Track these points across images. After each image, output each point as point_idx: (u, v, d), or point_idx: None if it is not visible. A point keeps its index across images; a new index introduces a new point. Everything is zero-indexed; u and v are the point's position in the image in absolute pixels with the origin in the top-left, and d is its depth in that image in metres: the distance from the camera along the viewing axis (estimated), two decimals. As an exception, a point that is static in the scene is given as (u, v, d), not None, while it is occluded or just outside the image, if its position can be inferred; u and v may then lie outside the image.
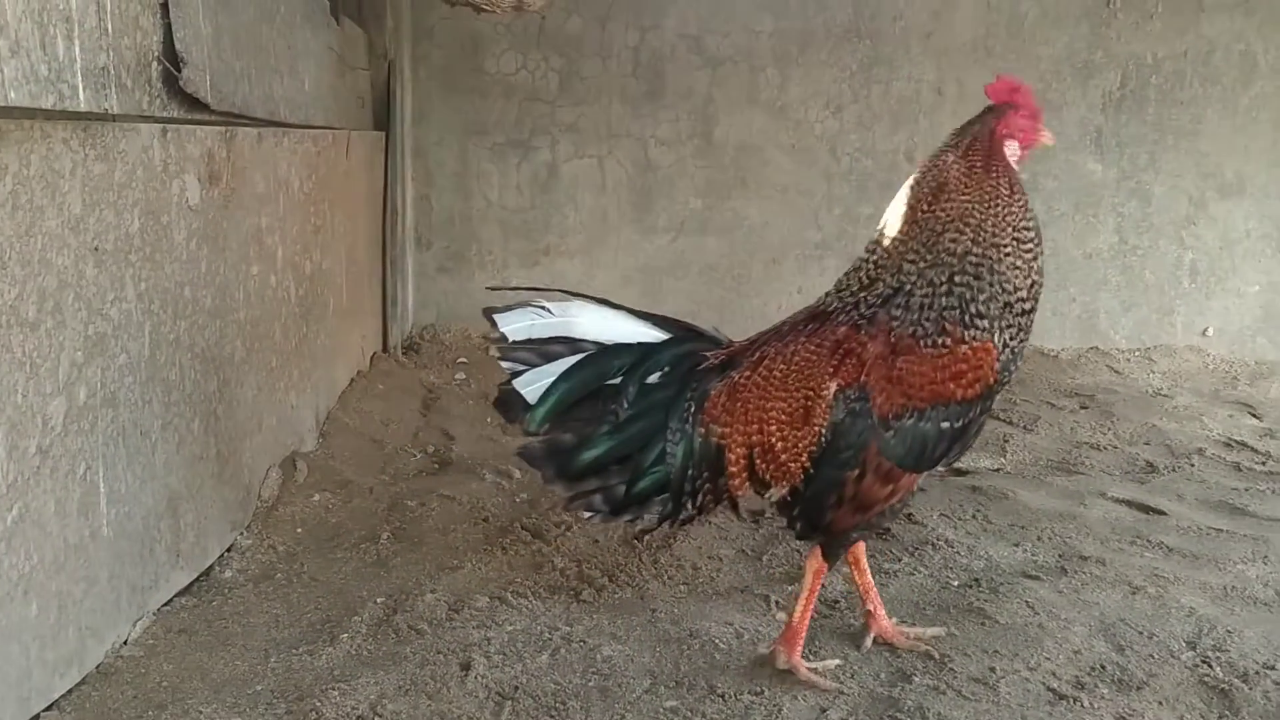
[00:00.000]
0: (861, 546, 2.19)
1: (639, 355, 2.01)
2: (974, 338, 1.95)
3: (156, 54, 2.07)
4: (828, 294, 2.15)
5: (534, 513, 2.93)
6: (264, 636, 2.21)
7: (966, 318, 1.95)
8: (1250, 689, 2.06)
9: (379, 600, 2.37)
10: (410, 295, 4.81)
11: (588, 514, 2.03)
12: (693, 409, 1.99)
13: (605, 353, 1.99)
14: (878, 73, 4.75)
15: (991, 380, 1.97)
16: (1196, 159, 4.78)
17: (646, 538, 2.72)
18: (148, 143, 2.08)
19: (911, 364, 1.94)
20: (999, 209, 2.00)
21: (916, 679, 2.08)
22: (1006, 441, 3.72)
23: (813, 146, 4.80)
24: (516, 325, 2.00)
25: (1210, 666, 2.14)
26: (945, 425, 1.95)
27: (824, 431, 1.95)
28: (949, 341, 1.94)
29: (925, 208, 2.02)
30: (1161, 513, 3.05)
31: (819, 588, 2.11)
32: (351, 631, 2.22)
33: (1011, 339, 1.99)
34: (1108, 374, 4.69)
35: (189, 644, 2.15)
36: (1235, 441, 3.80)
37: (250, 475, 2.75)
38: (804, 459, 1.96)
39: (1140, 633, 2.28)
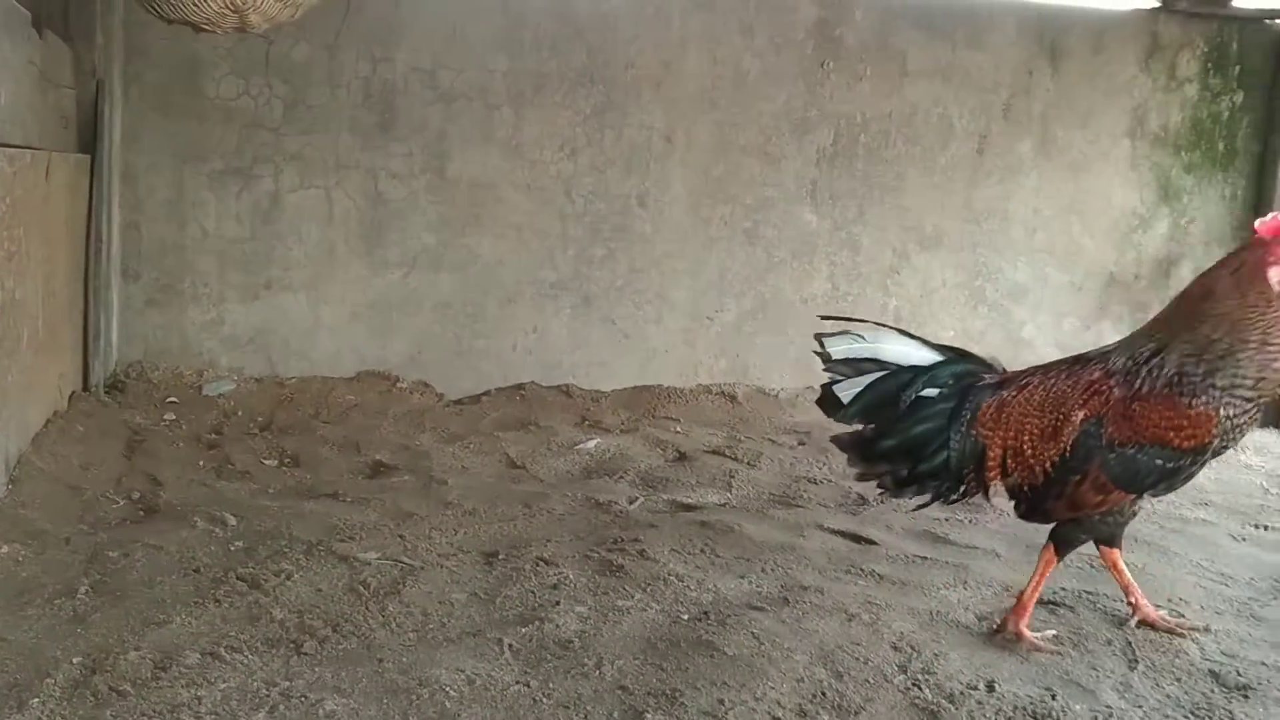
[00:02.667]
0: (1118, 554, 2.65)
1: (926, 373, 2.57)
2: (1202, 404, 2.41)
3: None
4: (1090, 351, 2.69)
5: (250, 561, 2.76)
6: (-69, 709, 1.95)
7: (1199, 388, 2.42)
8: (956, 709, 2.18)
9: (75, 660, 2.16)
10: (115, 330, 4.47)
11: (878, 490, 2.65)
12: (969, 416, 2.55)
13: (903, 370, 2.57)
14: (610, 118, 4.84)
15: (1206, 440, 2.43)
16: (900, 213, 5.14)
17: (373, 585, 2.64)
18: None
19: (1144, 409, 2.44)
20: (1252, 316, 2.43)
21: (649, 715, 2.09)
22: (732, 477, 3.84)
23: (548, 186, 4.83)
24: (839, 347, 2.59)
25: (920, 689, 2.26)
26: (1158, 462, 2.45)
27: (1066, 447, 2.48)
28: (1180, 401, 2.42)
29: (1193, 305, 2.51)
30: (873, 542, 3.22)
31: (1047, 574, 2.59)
32: (43, 696, 2.00)
33: (1233, 414, 2.43)
34: (822, 412, 4.93)
35: None
36: (937, 475, 4.07)
37: (-82, 527, 2.44)
38: (1047, 465, 2.51)
39: (857, 659, 2.39)
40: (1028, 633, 2.54)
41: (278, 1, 3.26)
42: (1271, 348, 2.43)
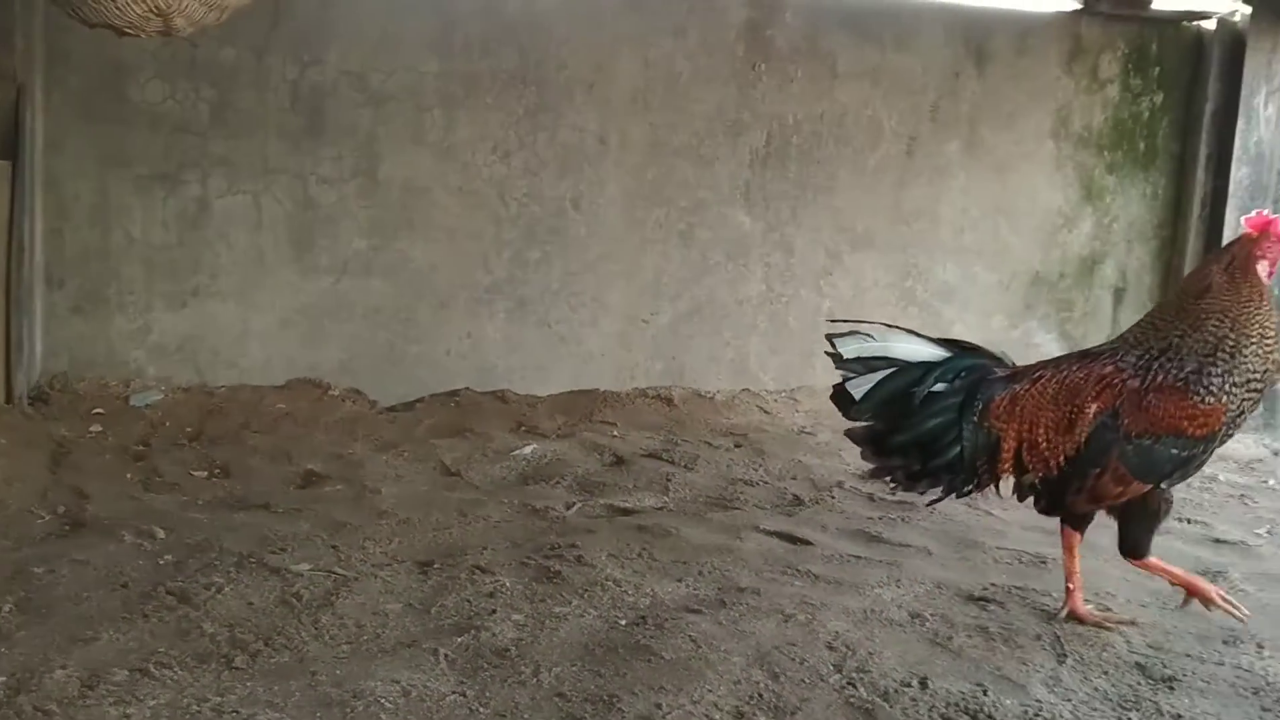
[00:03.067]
0: (1078, 538, 2.72)
1: (937, 368, 2.65)
2: (1214, 398, 2.53)
3: None
4: (1097, 346, 2.80)
5: (180, 575, 2.71)
6: None
7: (1210, 381, 2.53)
8: (891, 706, 2.21)
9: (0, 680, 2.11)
10: (39, 339, 4.36)
11: (891, 484, 2.78)
12: (981, 408, 2.62)
13: (912, 367, 2.64)
14: (544, 119, 4.83)
15: (1216, 429, 2.54)
16: (832, 214, 5.19)
17: (306, 597, 2.62)
18: None
19: (1159, 400, 2.54)
20: (1250, 311, 2.56)
21: (586, 723, 2.09)
22: (669, 480, 3.85)
23: (481, 189, 4.81)
24: (850, 346, 2.68)
25: (855, 688, 2.29)
26: (1174, 452, 2.54)
27: (1081, 439, 2.56)
28: (1194, 392, 2.53)
29: (1192, 302, 2.60)
30: (808, 543, 3.25)
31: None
32: (-39, 720, 1.96)
33: (1239, 404, 2.55)
34: (758, 414, 4.98)
35: None
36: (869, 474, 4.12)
37: None
38: (1061, 457, 2.58)
39: (793, 659, 2.41)
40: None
41: (202, 5, 3.19)
42: (1269, 340, 2.57)
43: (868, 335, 2.68)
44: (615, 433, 4.52)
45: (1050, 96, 5.31)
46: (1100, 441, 2.56)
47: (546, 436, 4.40)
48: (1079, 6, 5.26)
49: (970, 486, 2.69)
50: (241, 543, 2.98)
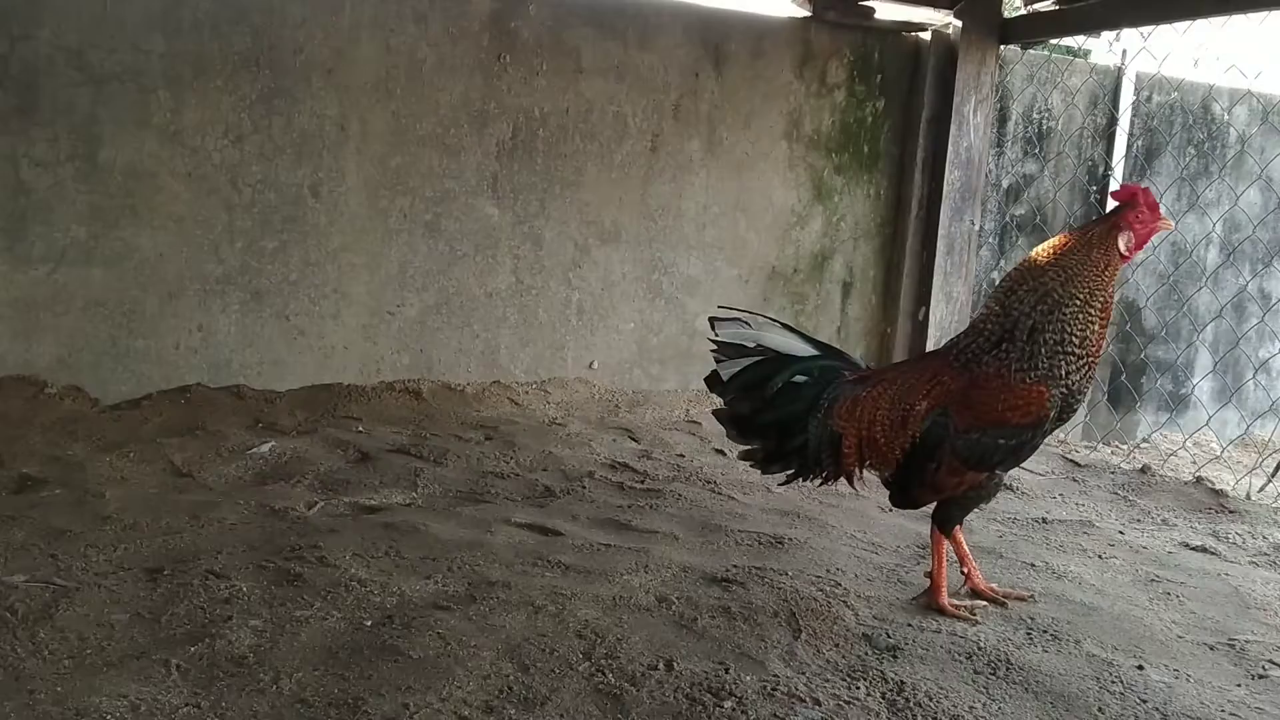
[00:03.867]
0: (960, 528, 2.88)
1: (799, 362, 2.81)
2: (1032, 379, 2.63)
3: None
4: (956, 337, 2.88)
5: None
6: None
7: (1028, 365, 2.64)
8: (638, 690, 2.26)
9: None
10: None
11: (751, 463, 2.89)
12: (826, 406, 2.78)
13: (780, 357, 2.81)
14: (279, 104, 4.63)
15: (1042, 415, 2.65)
16: (580, 208, 5.24)
17: (22, 611, 2.43)
18: None
19: (982, 396, 2.66)
20: (1086, 273, 2.65)
21: (330, 728, 2.02)
22: (417, 475, 3.79)
23: (212, 175, 4.56)
24: (726, 331, 2.85)
25: (604, 674, 2.32)
26: (1001, 442, 2.67)
27: (915, 435, 2.70)
28: (1014, 380, 2.64)
29: (1033, 276, 2.69)
30: (559, 533, 3.27)
31: (944, 550, 2.82)
32: None
33: (1065, 377, 2.65)
34: (509, 406, 4.97)
35: None
36: (619, 463, 4.19)
37: None
38: (898, 453, 2.73)
39: (543, 650, 2.42)
40: (949, 605, 2.81)
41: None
42: (1093, 307, 2.65)
43: (746, 324, 2.86)
44: (360, 428, 4.40)
45: (784, 99, 5.55)
46: (933, 438, 2.69)
47: (286, 433, 4.23)
48: (808, 14, 5.52)
49: (820, 477, 2.85)
50: (-61, 558, 2.72)
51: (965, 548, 2.95)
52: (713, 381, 2.89)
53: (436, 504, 3.54)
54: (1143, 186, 2.79)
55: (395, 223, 4.89)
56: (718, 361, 2.86)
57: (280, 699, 2.13)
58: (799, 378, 2.80)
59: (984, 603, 2.90)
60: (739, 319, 2.87)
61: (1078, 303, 2.66)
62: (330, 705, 2.11)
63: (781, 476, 2.88)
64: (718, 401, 2.92)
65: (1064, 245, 2.73)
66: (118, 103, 4.38)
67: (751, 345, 2.84)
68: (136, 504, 3.30)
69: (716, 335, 2.87)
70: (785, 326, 2.91)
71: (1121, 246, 2.70)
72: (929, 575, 2.90)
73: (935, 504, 2.83)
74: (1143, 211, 2.71)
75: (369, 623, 2.51)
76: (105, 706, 2.03)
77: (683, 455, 4.42)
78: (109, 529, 3.05)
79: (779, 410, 2.81)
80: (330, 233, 4.77)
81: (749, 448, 2.90)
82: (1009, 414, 2.65)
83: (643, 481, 3.98)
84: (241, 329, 4.68)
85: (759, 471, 2.93)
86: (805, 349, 2.87)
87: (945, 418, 2.69)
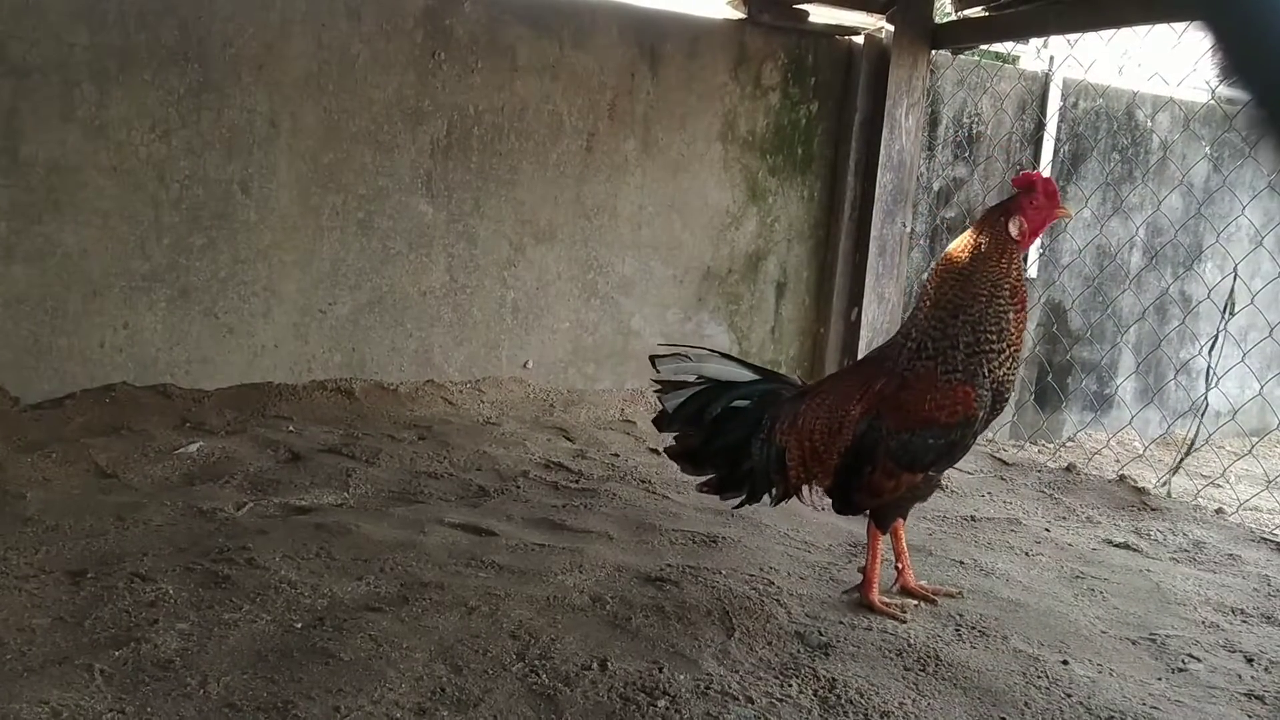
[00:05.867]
0: (901, 523, 2.93)
1: (738, 387, 2.84)
2: (957, 379, 2.66)
3: None
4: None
5: None
6: None
7: (950, 365, 2.67)
8: (572, 690, 2.26)
9: None
10: None
11: (708, 491, 2.90)
12: (769, 425, 2.81)
13: (720, 385, 2.84)
14: (208, 99, 4.55)
15: (969, 413, 2.67)
16: (515, 206, 5.22)
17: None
18: None
19: (910, 397, 2.68)
20: (982, 269, 2.68)
21: (259, 732, 1.99)
22: (349, 476, 3.74)
23: (138, 170, 4.46)
24: (668, 367, 2.86)
25: (538, 674, 2.32)
26: (931, 441, 2.68)
27: (848, 441, 2.73)
28: (939, 379, 2.67)
29: (943, 275, 2.74)
30: (493, 534, 3.26)
31: (880, 547, 2.86)
32: None
33: (990, 373, 2.67)
34: (443, 405, 4.93)
35: None
36: (553, 463, 4.19)
37: None
38: (836, 459, 2.75)
39: (476, 651, 2.40)
40: (879, 602, 2.85)
41: None
42: (1000, 298, 2.65)
43: (686, 357, 2.87)
44: (291, 428, 4.34)
45: (719, 101, 5.58)
46: (868, 441, 2.72)
47: (214, 433, 4.16)
48: (743, 16, 5.55)
49: (773, 498, 2.87)
50: None
51: (904, 544, 2.99)
52: (660, 420, 2.89)
53: (369, 504, 3.50)
54: (1044, 175, 2.83)
55: (327, 220, 4.83)
56: (661, 400, 2.86)
57: (208, 703, 2.09)
58: (739, 402, 2.83)
59: (915, 601, 2.94)
60: (679, 354, 2.88)
61: (981, 301, 2.67)
62: (259, 709, 2.08)
63: (735, 502, 2.90)
64: (666, 438, 2.93)
65: (963, 243, 2.77)
66: (40, 96, 4.27)
67: (692, 378, 2.85)
68: (59, 505, 3.22)
69: (659, 373, 2.87)
70: (724, 355, 2.93)
71: (1013, 231, 2.71)
72: (862, 570, 2.94)
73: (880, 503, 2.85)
74: (1038, 198, 2.73)
75: (299, 625, 2.48)
76: (26, 713, 1.98)
77: (618, 454, 4.42)
78: (30, 531, 2.98)
79: (726, 436, 2.82)
80: (260, 230, 4.70)
81: (705, 479, 2.91)
82: (938, 413, 2.66)
83: (577, 481, 3.97)
84: (169, 327, 4.59)
85: (721, 499, 2.94)
86: (744, 374, 2.88)
87: (878, 420, 2.71)
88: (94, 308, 4.46)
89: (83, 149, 4.37)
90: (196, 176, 4.57)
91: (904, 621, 2.79)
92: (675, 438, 2.88)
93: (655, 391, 2.91)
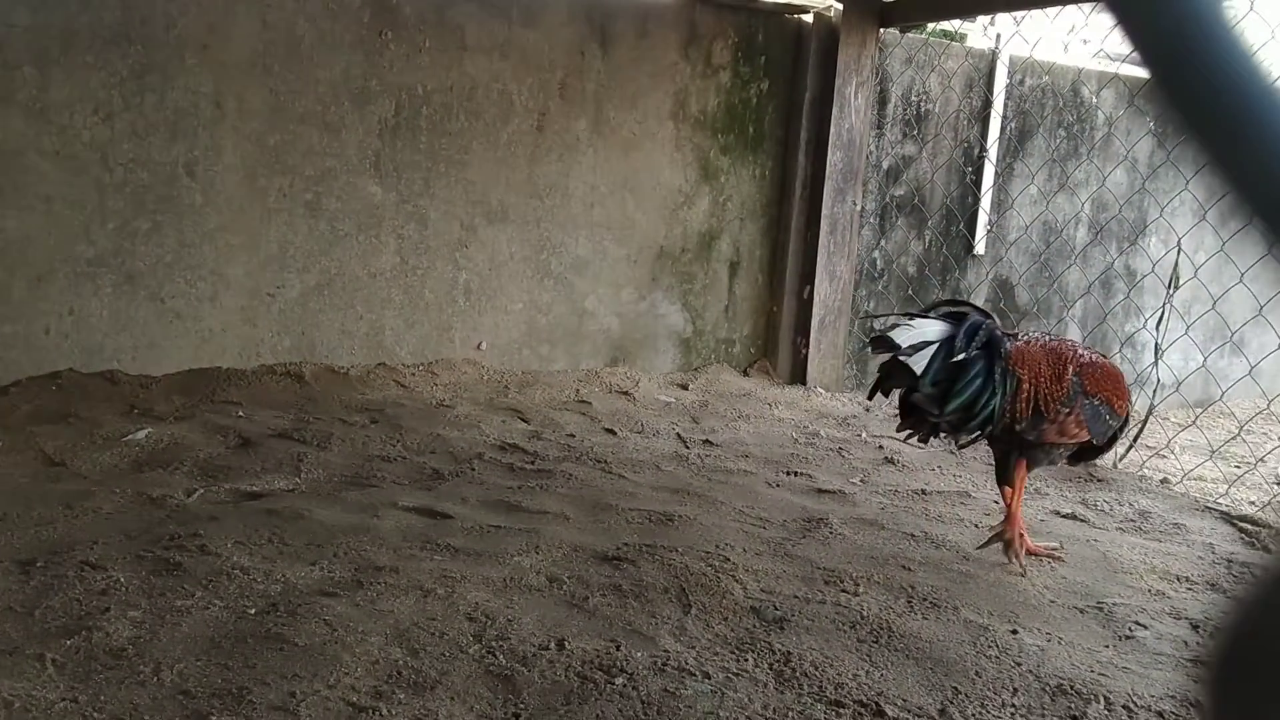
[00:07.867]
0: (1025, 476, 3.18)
1: (962, 334, 2.99)
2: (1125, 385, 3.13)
3: None
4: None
5: None
6: None
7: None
8: (529, 670, 2.26)
9: None
10: None
11: (910, 436, 3.18)
12: (1005, 355, 3.03)
13: (947, 339, 2.98)
14: (151, 80, 4.47)
15: (1125, 414, 3.14)
16: (466, 187, 5.19)
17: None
18: None
19: (1105, 374, 3.10)
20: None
21: (215, 718, 1.98)
22: (301, 460, 3.72)
23: (81, 154, 4.38)
24: (902, 336, 2.95)
25: (495, 655, 2.32)
26: (1107, 418, 3.08)
27: (1065, 390, 3.03)
28: (1122, 376, 3.16)
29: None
30: (449, 516, 3.25)
31: (1024, 486, 3.16)
32: None
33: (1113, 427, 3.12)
34: (395, 388, 4.90)
35: None
36: (508, 444, 4.18)
37: None
38: (1052, 401, 3.02)
39: (432, 634, 2.40)
40: (1027, 539, 3.18)
41: None
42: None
43: (909, 325, 3.02)
44: (240, 413, 4.30)
45: (670, 80, 5.57)
46: (1073, 392, 3.04)
47: (163, 419, 4.11)
48: (694, -6, 5.54)
49: (996, 429, 3.07)
50: None
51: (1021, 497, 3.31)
52: (902, 377, 2.98)
53: (321, 489, 3.48)
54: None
55: (274, 202, 4.77)
56: (899, 362, 2.94)
57: (162, 690, 2.08)
58: (973, 346, 3.03)
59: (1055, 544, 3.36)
60: (898, 325, 3.02)
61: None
62: (214, 695, 2.07)
63: (967, 438, 3.14)
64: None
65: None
66: (-24, 77, 4.17)
67: (922, 339, 3.02)
68: (6, 494, 3.17)
69: (897, 343, 2.94)
70: (922, 315, 3.09)
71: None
72: (1007, 506, 3.19)
73: (1026, 449, 3.13)
74: None
75: (253, 611, 2.47)
76: (-27, 706, 1.96)
77: (573, 435, 4.42)
78: (-25, 522, 2.93)
79: (972, 381, 3.02)
80: (206, 212, 4.64)
81: (938, 422, 3.06)
82: (1115, 400, 3.09)
83: (533, 462, 3.97)
84: (114, 312, 4.52)
85: (947, 441, 3.38)
86: (944, 326, 3.03)
87: (1080, 381, 3.06)
88: (38, 294, 4.38)
89: (24, 133, 4.28)
90: (140, 160, 4.49)
91: (1022, 574, 3.13)
92: (924, 389, 3.00)
93: (902, 357, 2.94)
